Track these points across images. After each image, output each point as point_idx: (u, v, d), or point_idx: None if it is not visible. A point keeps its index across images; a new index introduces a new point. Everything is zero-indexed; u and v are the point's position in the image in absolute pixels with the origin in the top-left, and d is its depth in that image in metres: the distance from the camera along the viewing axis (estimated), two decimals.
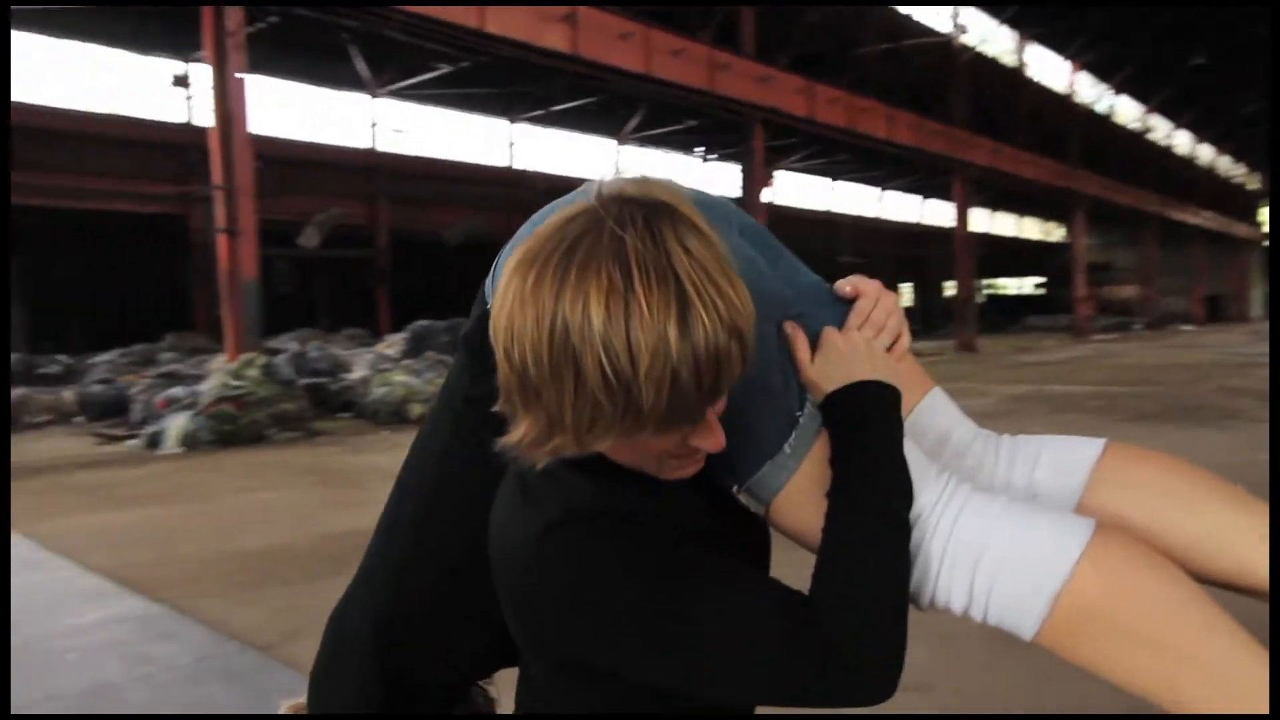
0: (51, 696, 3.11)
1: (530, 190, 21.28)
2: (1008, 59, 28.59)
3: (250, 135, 10.35)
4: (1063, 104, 31.38)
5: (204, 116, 19.70)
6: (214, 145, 10.22)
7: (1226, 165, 47.59)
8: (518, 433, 0.77)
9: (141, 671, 3.31)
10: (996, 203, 40.82)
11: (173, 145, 19.10)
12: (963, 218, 25.00)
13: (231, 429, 9.72)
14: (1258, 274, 50.06)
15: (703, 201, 0.93)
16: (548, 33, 13.47)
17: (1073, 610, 0.80)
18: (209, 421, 9.69)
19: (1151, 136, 38.74)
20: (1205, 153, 44.78)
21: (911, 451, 0.88)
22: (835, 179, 35.07)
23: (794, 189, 33.78)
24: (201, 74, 19.82)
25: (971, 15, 25.59)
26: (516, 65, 15.56)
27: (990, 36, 26.15)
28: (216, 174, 10.23)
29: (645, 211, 0.74)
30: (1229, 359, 18.21)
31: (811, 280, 1.04)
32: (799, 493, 0.88)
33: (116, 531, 5.69)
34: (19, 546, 5.31)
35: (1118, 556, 0.81)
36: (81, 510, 6.38)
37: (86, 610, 4.05)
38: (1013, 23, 26.38)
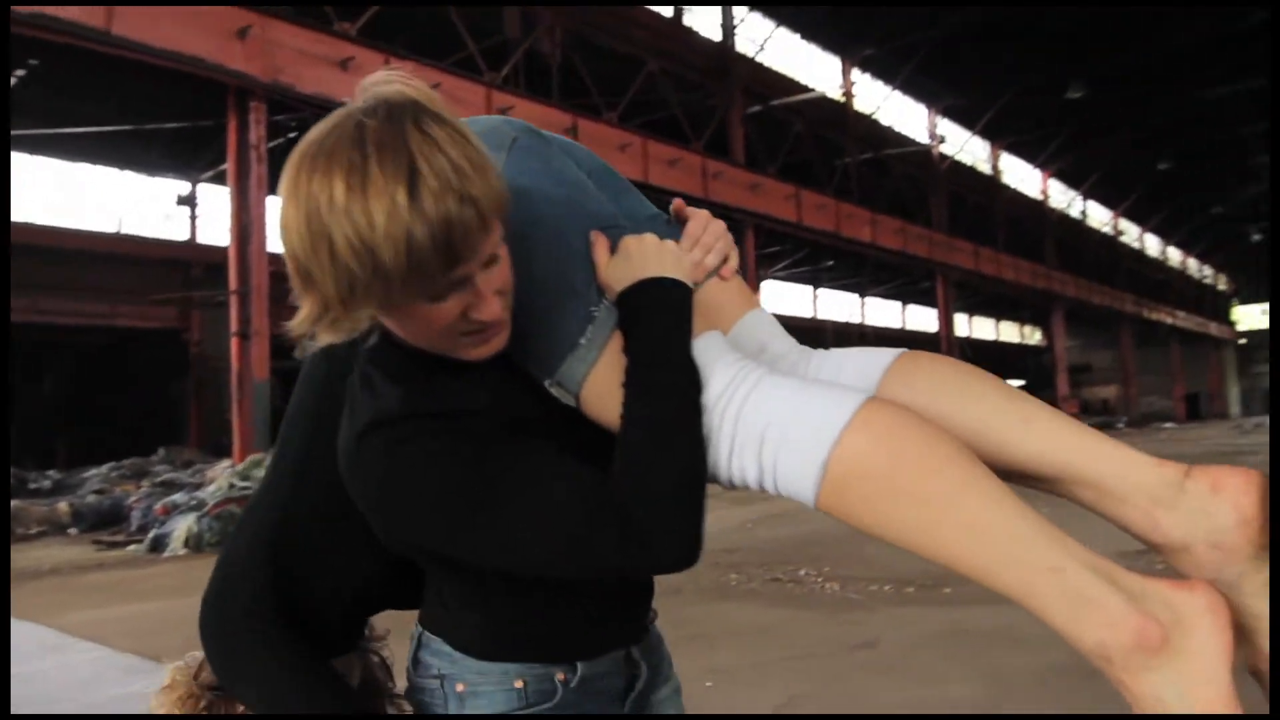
0: None
1: None
2: (984, 167, 29.83)
3: (266, 242, 10.61)
4: (1037, 209, 32.58)
5: (209, 233, 20.22)
6: (232, 251, 10.48)
7: (1196, 266, 49.04)
8: (299, 315, 0.84)
9: None
10: (974, 308, 41.74)
11: (175, 261, 19.46)
12: (947, 319, 25.55)
13: None
14: (1233, 372, 50.96)
15: (542, 135, 1.06)
16: None
17: (843, 473, 0.83)
18: (215, 523, 9.58)
19: (1124, 240, 40.06)
20: (1175, 255, 46.22)
21: (710, 342, 0.94)
22: (819, 286, 35.86)
23: (780, 297, 34.51)
24: (207, 193, 20.44)
25: (947, 126, 26.85)
26: None
27: (966, 146, 27.35)
28: (233, 280, 10.44)
29: (390, 104, 0.82)
30: (1216, 450, 18.38)
31: (653, 212, 1.13)
32: (600, 384, 0.92)
33: (140, 620, 5.59)
34: (41, 634, 5.20)
35: (883, 422, 0.84)
36: (100, 604, 6.26)
37: (128, 683, 3.97)
38: (985, 133, 27.65)
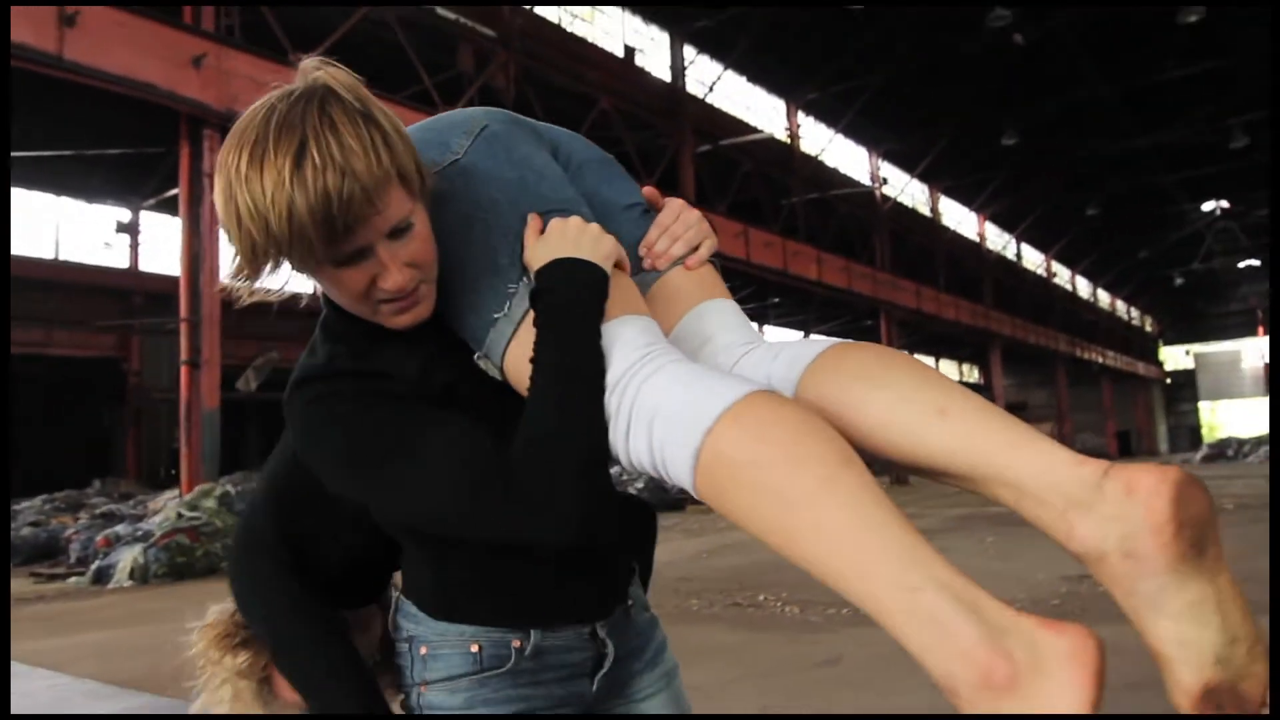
0: None
1: None
2: (924, 209, 30.76)
3: (217, 270, 10.53)
4: (975, 250, 33.64)
5: (151, 261, 19.86)
6: (183, 278, 10.36)
7: (1124, 308, 50.91)
8: (230, 269, 0.94)
9: None
10: (916, 346, 42.68)
11: (116, 289, 19.05)
12: None
13: (185, 561, 9.39)
14: (1161, 410, 52.85)
15: (522, 123, 1.11)
16: None
17: (712, 463, 0.81)
18: (162, 553, 9.37)
19: (1057, 281, 41.46)
20: (1105, 297, 47.96)
21: (622, 326, 0.94)
22: (765, 323, 36.41)
23: None
24: (149, 220, 20.10)
25: (889, 169, 27.71)
26: None
27: (907, 189, 28.21)
28: (183, 308, 10.31)
29: (307, 89, 0.90)
30: None
31: (633, 201, 1.14)
32: (517, 358, 0.95)
33: (95, 647, 5.48)
34: None
35: (758, 413, 0.81)
36: (49, 634, 6.11)
37: (93, 707, 3.91)
38: (924, 177, 28.57)
